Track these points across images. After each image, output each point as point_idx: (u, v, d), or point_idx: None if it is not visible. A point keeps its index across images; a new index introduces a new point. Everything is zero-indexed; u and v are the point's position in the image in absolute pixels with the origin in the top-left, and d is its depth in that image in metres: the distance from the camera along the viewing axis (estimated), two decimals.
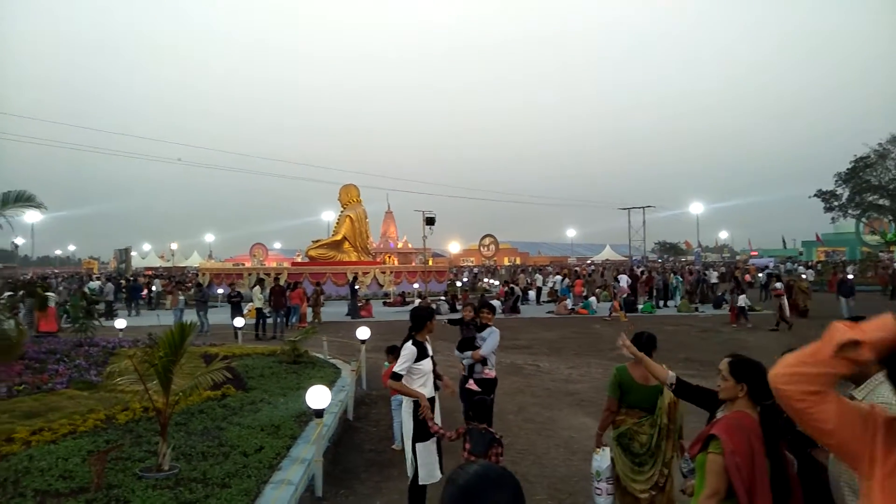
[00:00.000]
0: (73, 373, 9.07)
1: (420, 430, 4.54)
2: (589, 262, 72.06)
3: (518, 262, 79.52)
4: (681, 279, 27.89)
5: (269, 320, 18.09)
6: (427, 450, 4.59)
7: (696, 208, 62.74)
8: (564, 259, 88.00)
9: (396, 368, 4.65)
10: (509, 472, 1.35)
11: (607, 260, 76.26)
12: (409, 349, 4.66)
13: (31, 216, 43.03)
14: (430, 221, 35.76)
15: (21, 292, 14.99)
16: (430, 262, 46.16)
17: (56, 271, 68.09)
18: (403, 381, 4.64)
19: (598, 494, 4.20)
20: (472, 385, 6.28)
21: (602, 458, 4.21)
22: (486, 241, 54.79)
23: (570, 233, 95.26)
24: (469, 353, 6.33)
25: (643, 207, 62.17)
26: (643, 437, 4.06)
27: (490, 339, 6.37)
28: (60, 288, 29.15)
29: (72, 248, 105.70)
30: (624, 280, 26.61)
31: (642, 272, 33.23)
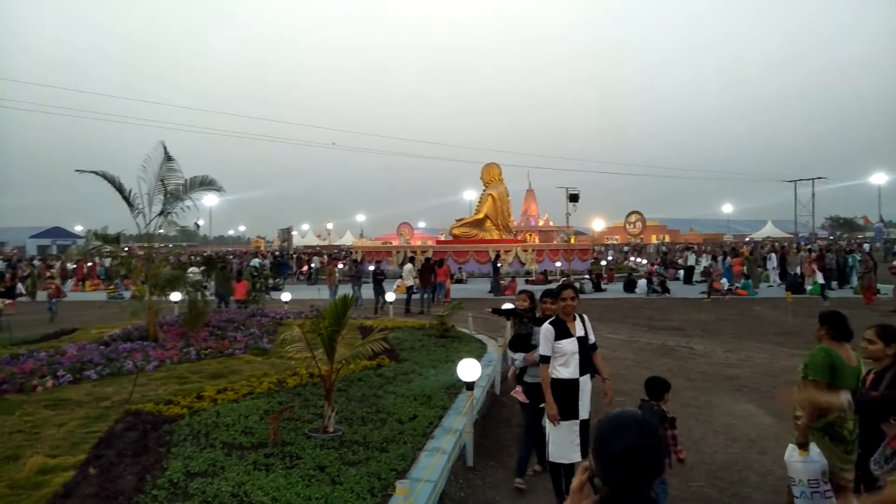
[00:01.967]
0: (249, 340, 10.05)
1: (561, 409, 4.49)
2: (748, 238, 66.67)
3: (667, 239, 75.60)
4: (859, 258, 24.92)
5: (416, 296, 18.81)
6: (561, 430, 4.50)
7: (878, 178, 55.61)
8: (719, 236, 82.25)
9: (540, 351, 4.59)
10: (640, 418, 1.53)
11: (769, 237, 70.12)
12: (545, 329, 4.57)
13: (209, 199, 48.12)
14: (573, 198, 34.86)
15: (202, 267, 16.87)
16: (573, 240, 45.22)
17: (230, 249, 75.65)
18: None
19: (823, 497, 3.71)
20: (518, 394, 5.34)
21: (816, 457, 3.72)
22: (633, 217, 52.48)
23: (727, 208, 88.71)
24: (522, 354, 5.30)
25: (812, 179, 56.18)
26: (850, 422, 3.70)
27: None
28: (233, 264, 32.34)
29: (242, 228, 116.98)
30: (774, 259, 24.47)
31: (809, 250, 30.16)
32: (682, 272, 27.79)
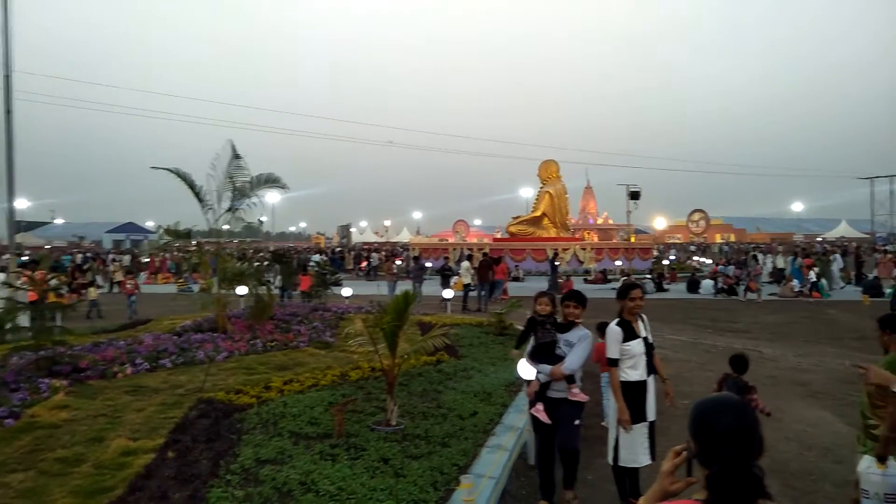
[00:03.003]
0: (312, 334, 10.32)
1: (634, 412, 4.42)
2: (819, 238, 63.68)
3: (732, 238, 73.00)
4: None
5: (473, 293, 18.84)
6: (632, 434, 4.44)
7: None
8: (788, 236, 78.83)
9: (609, 354, 4.51)
10: (738, 400, 1.60)
11: (842, 237, 66.72)
12: (612, 331, 4.50)
13: (271, 196, 49.54)
14: (634, 196, 34.26)
15: (265, 262, 17.45)
16: (633, 239, 44.27)
17: (291, 245, 77.64)
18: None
19: None
20: (539, 412, 4.64)
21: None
22: (696, 216, 51.05)
23: (797, 206, 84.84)
24: (546, 367, 4.60)
25: (891, 176, 53.16)
26: None
27: (579, 348, 4.62)
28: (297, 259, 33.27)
29: (303, 224, 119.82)
30: (839, 260, 23.27)
31: (885, 251, 28.59)
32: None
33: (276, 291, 15.22)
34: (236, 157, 10.49)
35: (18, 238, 16.57)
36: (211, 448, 4.96)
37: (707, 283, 23.16)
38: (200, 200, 10.47)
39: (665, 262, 32.85)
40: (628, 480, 4.58)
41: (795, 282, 21.44)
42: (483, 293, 18.74)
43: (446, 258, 23.23)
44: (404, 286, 17.67)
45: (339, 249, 46.68)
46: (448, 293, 15.59)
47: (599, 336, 6.78)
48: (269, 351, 9.14)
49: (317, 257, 30.54)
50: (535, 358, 4.70)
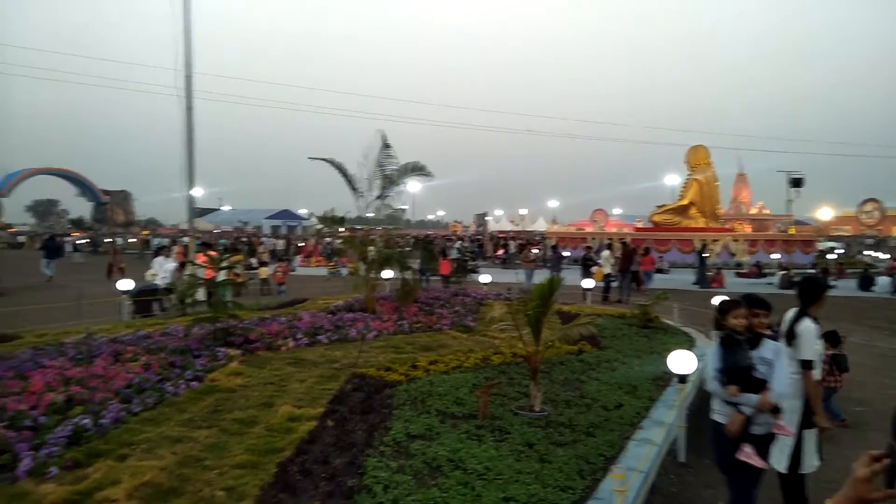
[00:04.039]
0: (454, 317, 10.59)
1: (809, 416, 4.08)
2: None
3: None
4: None
5: (615, 283, 18.31)
6: (812, 437, 4.11)
7: None
8: None
9: (806, 355, 4.10)
10: None
11: None
12: (809, 329, 4.10)
13: (412, 185, 51.24)
14: (796, 183, 31.35)
15: (407, 248, 18.15)
16: (792, 230, 40.55)
17: (429, 233, 79.89)
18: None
19: None
20: (750, 455, 3.67)
21: None
22: (868, 206, 45.93)
23: None
24: (753, 396, 3.68)
25: None
26: None
27: (781, 366, 3.77)
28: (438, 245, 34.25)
29: (441, 213, 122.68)
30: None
31: None
32: None
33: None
34: (386, 146, 11.01)
35: (196, 223, 18.55)
36: (365, 420, 5.28)
37: (884, 281, 20.73)
38: (353, 188, 11.11)
39: (831, 255, 29.76)
40: (798, 487, 4.26)
41: None
42: (625, 284, 18.15)
43: (588, 247, 22.73)
44: (541, 275, 17.60)
45: (478, 237, 47.36)
46: (589, 283, 15.28)
47: None
48: (414, 332, 9.52)
49: (458, 244, 31.19)
50: (734, 380, 3.75)
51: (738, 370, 3.74)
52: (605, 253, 19.13)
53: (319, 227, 12.74)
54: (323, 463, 4.33)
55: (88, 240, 47.98)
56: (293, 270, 25.49)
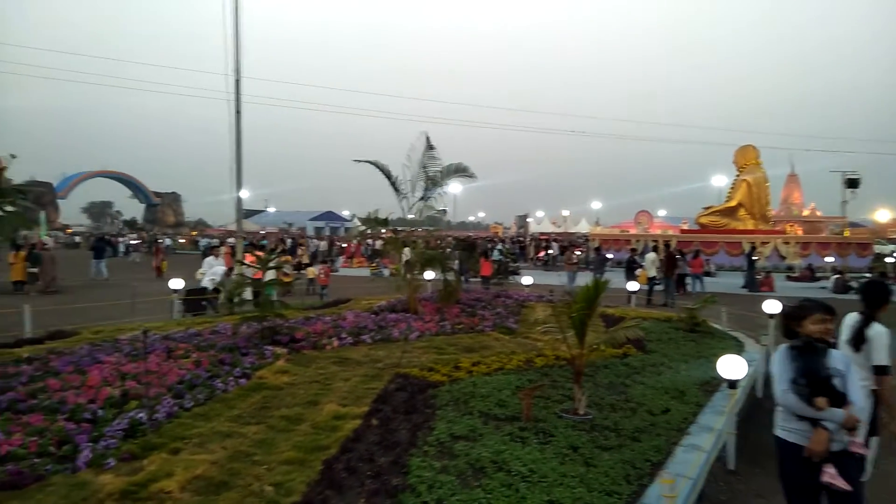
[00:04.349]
0: (496, 319, 10.57)
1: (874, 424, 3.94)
2: None
3: None
4: None
5: (659, 287, 17.99)
6: (875, 445, 3.98)
7: None
8: None
9: (884, 360, 3.96)
10: None
11: None
12: (883, 332, 3.97)
13: (453, 187, 51.33)
14: (852, 184, 30.17)
15: (448, 250, 18.23)
16: (847, 233, 39.05)
17: (470, 234, 79.81)
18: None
19: None
20: (834, 477, 3.26)
21: None
22: None
23: None
24: (838, 412, 3.27)
25: None
26: None
27: (854, 378, 3.46)
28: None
29: (481, 214, 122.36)
30: None
31: None
32: None
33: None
34: (430, 147, 11.07)
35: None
36: (409, 420, 5.32)
37: None
38: (396, 190, 11.21)
39: (889, 259, 28.52)
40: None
41: None
42: (670, 287, 17.81)
43: (632, 250, 22.38)
44: (583, 277, 17.43)
45: (519, 239, 47.17)
46: (633, 286, 15.05)
47: None
48: (456, 333, 9.54)
49: (499, 246, 31.16)
50: (817, 390, 3.34)
51: (819, 381, 3.34)
52: (651, 255, 18.79)
53: (362, 228, 12.85)
54: (368, 461, 4.38)
55: (141, 240, 49.65)
56: (336, 271, 25.84)
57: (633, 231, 49.87)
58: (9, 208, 4.98)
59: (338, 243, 39.29)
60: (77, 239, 58.40)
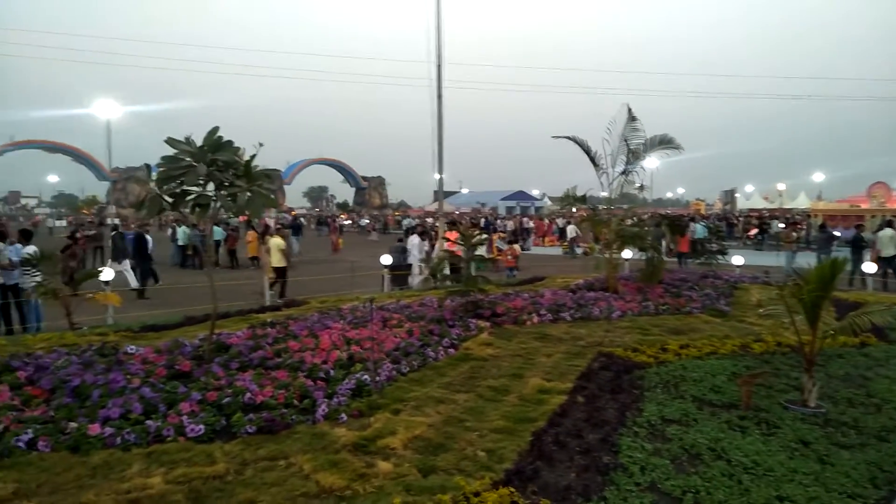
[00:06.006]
0: (705, 300, 9.90)
1: None
2: None
3: None
4: None
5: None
6: None
7: None
8: None
9: None
10: None
11: None
12: None
13: (651, 162, 48.63)
14: None
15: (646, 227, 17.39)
16: None
17: (668, 211, 75.23)
18: None
19: None
20: None
21: None
22: None
23: None
24: None
25: None
26: None
27: None
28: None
29: (681, 190, 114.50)
30: None
31: None
32: None
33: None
34: (632, 119, 10.58)
35: (437, 205, 19.94)
36: (615, 399, 5.22)
37: None
38: (595, 165, 10.90)
39: None
40: None
41: None
42: None
43: (858, 226, 19.42)
44: (803, 257, 15.61)
45: (726, 216, 43.49)
46: (870, 267, 13.11)
47: None
48: (660, 314, 9.13)
49: (702, 223, 29.08)
50: None
51: None
52: (888, 231, 16.10)
53: (555, 207, 12.76)
54: (576, 437, 4.39)
55: (350, 221, 54.43)
56: (528, 250, 25.98)
57: (865, 206, 43.30)
58: (258, 190, 5.72)
59: (526, 221, 39.33)
60: (301, 220, 65.66)
